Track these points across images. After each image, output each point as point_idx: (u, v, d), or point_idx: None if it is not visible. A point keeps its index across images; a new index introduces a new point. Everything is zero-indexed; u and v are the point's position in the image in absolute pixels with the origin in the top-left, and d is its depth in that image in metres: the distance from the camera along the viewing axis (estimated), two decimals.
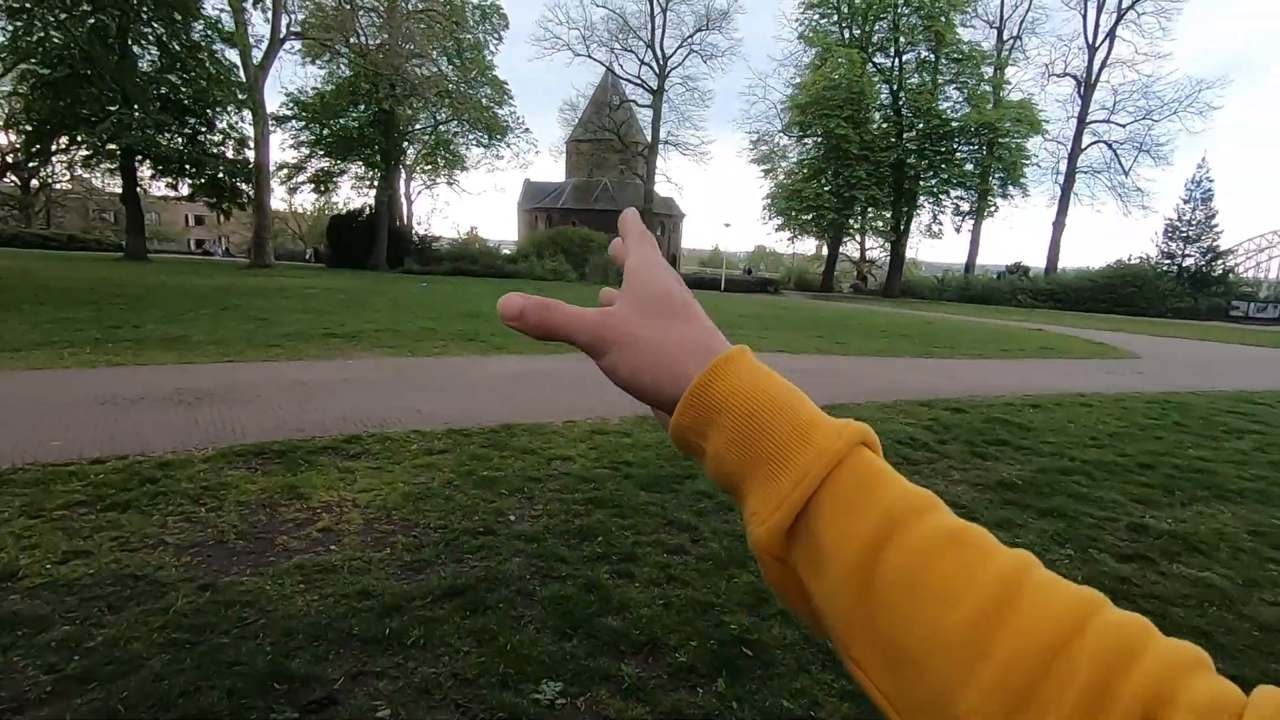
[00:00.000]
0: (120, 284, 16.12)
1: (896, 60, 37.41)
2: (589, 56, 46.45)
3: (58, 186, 54.67)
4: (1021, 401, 7.42)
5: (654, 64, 45.49)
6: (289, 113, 35.24)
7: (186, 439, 4.37)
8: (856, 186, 34.99)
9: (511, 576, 2.89)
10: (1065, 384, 9.00)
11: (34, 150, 30.22)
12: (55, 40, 25.61)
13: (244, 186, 31.36)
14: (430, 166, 42.24)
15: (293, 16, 29.50)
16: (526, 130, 40.84)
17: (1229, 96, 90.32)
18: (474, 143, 40.39)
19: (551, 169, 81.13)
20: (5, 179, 43.82)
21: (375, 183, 37.49)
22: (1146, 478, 4.76)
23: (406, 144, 38.81)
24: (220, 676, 2.16)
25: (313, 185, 38.62)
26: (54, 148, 31.30)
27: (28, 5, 23.22)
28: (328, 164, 38.01)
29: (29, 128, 28.86)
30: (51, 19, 24.91)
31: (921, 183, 36.86)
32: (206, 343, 8.25)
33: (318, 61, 35.58)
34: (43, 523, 3.11)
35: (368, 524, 3.35)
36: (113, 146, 28.24)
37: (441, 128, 39.37)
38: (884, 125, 36.67)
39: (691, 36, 45.08)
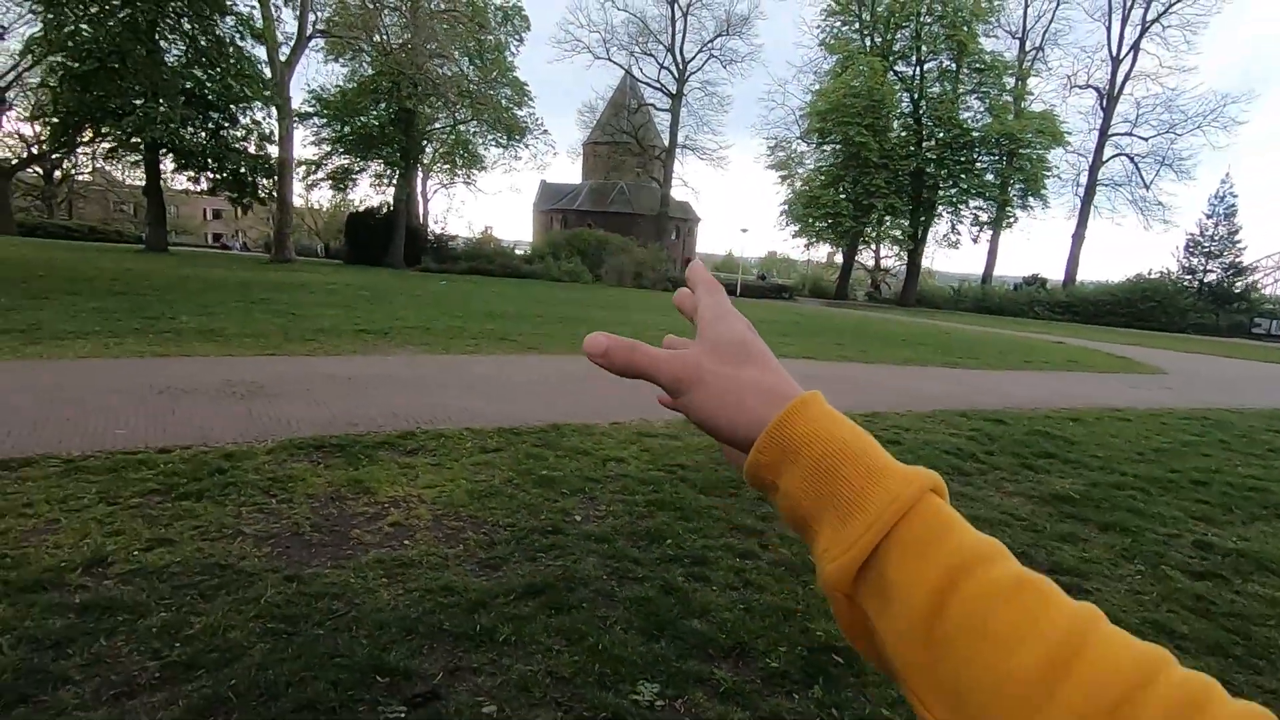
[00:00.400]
0: (147, 276, 16.27)
1: (918, 69, 37.31)
2: (609, 59, 46.65)
3: (80, 178, 55.26)
4: (1060, 415, 7.37)
5: (673, 68, 45.60)
6: (311, 109, 35.51)
7: (245, 430, 4.41)
8: (875, 194, 34.90)
9: (589, 577, 2.90)
10: (1097, 398, 8.93)
11: (60, 142, 30.55)
12: (85, 33, 25.93)
13: (265, 182, 31.61)
14: (449, 166, 42.46)
15: (319, 14, 29.74)
16: (545, 131, 40.99)
17: (1253, 110, 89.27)
18: (493, 143, 40.55)
19: (567, 171, 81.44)
20: (29, 170, 44.46)
21: (394, 181, 37.70)
22: (1202, 494, 4.72)
23: (425, 143, 39.02)
24: (322, 668, 2.17)
25: (331, 182, 38.87)
26: (79, 140, 31.70)
27: None
28: (347, 161, 38.26)
29: (55, 120, 29.25)
30: (83, 11, 25.20)
31: (941, 192, 36.73)
32: (242, 335, 8.31)
33: (340, 59, 35.90)
34: (121, 510, 3.14)
35: (437, 520, 3.37)
36: (137, 140, 28.55)
37: (461, 127, 39.56)
38: (904, 134, 36.57)
39: (712, 41, 45.19)
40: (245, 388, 5.46)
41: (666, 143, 46.86)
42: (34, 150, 40.39)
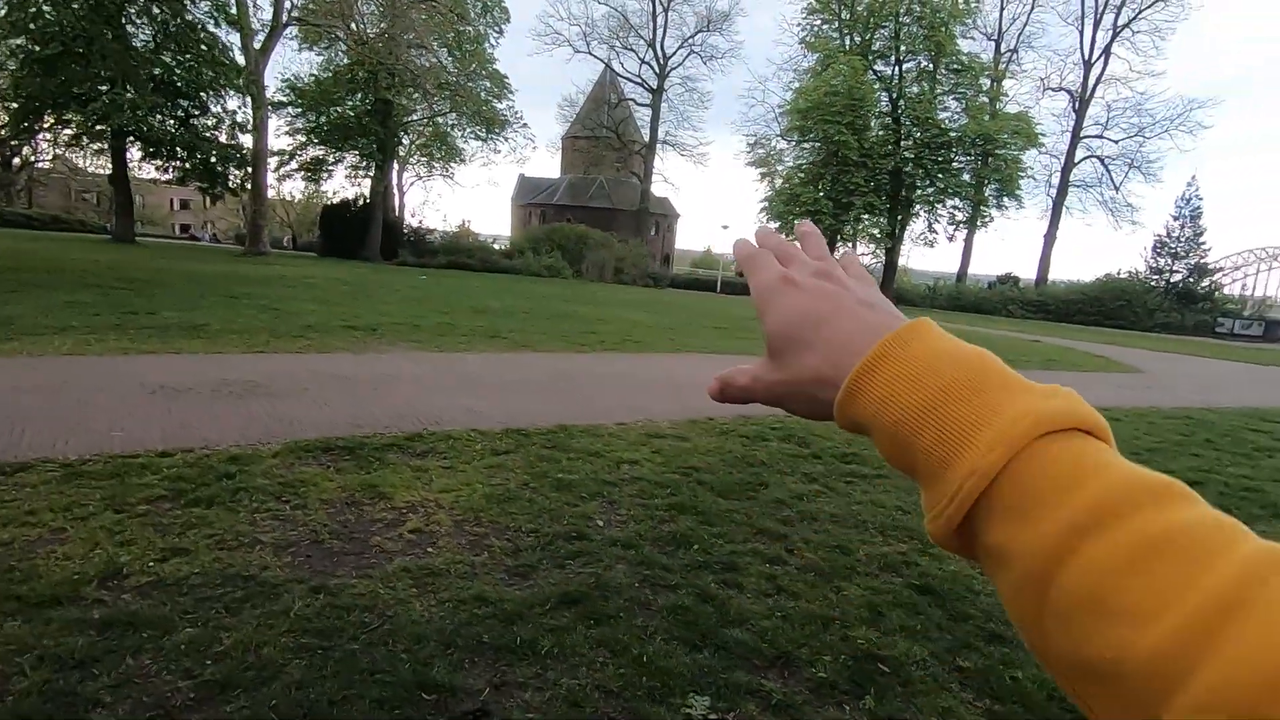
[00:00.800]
0: (117, 268, 15.77)
1: (897, 68, 37.67)
2: (589, 53, 46.40)
3: (40, 166, 53.45)
4: None
5: (654, 63, 45.50)
6: (285, 99, 34.73)
7: (246, 432, 4.27)
8: (854, 193, 35.20)
9: (621, 585, 2.85)
10: (1087, 398, 9.08)
11: (21, 128, 29.45)
12: (48, 15, 24.99)
13: (237, 172, 30.82)
14: (426, 158, 41.91)
15: (294, 1, 29.05)
16: (524, 125, 40.61)
17: (1218, 115, 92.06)
18: (472, 136, 40.06)
19: (546, 165, 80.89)
20: None
21: (370, 173, 37.10)
22: (1202, 495, 4.77)
23: (403, 135, 38.44)
24: (364, 685, 2.10)
25: (306, 173, 38.10)
26: (40, 126, 30.58)
27: None
28: (322, 152, 37.53)
29: (15, 105, 28.18)
30: None
31: (918, 191, 37.16)
32: (228, 332, 8.09)
33: (315, 48, 35.17)
34: (129, 518, 3.02)
35: (458, 525, 3.29)
36: (103, 127, 27.65)
37: (439, 120, 39.03)
38: (882, 133, 36.91)
39: (692, 37, 45.16)
40: (241, 387, 5.29)
41: (647, 138, 46.74)
42: None
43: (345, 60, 33.95)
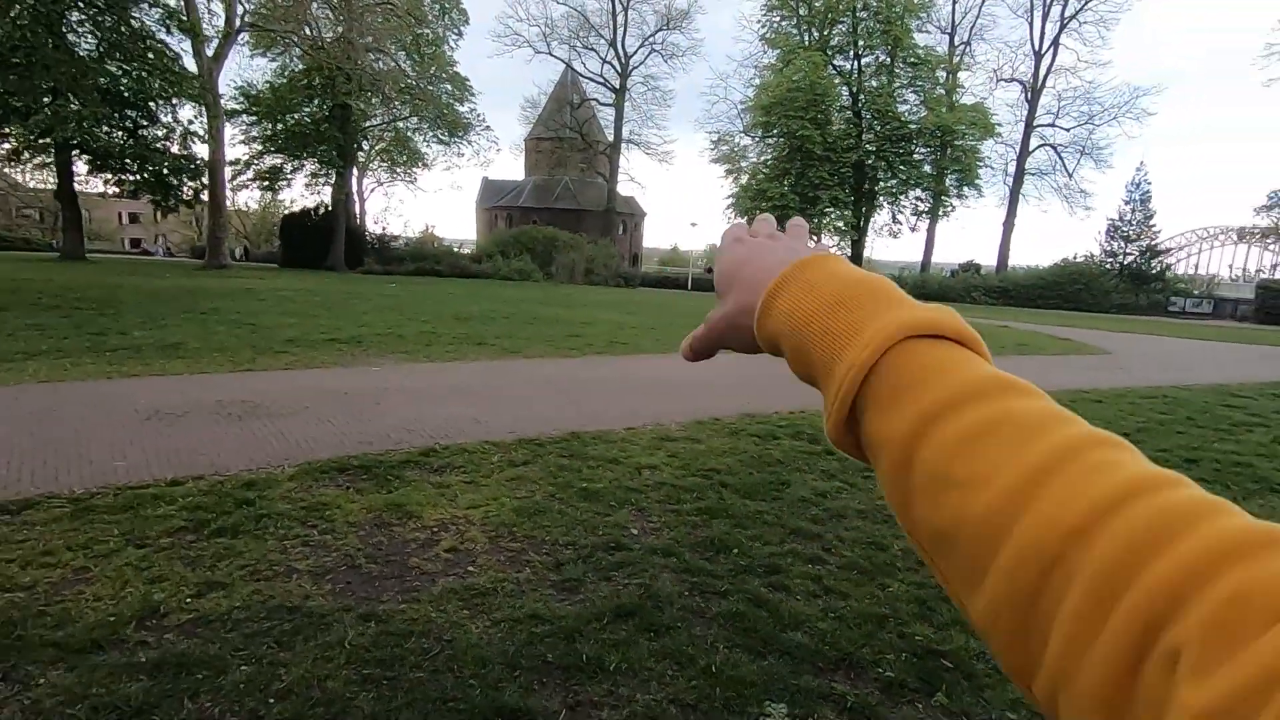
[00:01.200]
0: (74, 287, 15.15)
1: (856, 63, 38.23)
2: (550, 54, 46.05)
3: None
4: None
5: (615, 62, 45.38)
6: (239, 107, 33.78)
7: (255, 455, 4.14)
8: (820, 187, 35.66)
9: (671, 594, 2.83)
10: (1064, 381, 9.34)
11: None
12: None
13: (191, 183, 29.86)
14: (388, 163, 41.21)
15: (247, 6, 28.28)
16: (487, 128, 40.20)
17: (1162, 103, 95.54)
18: (434, 140, 39.51)
19: (510, 167, 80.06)
20: None
21: (331, 181, 36.33)
22: (1199, 472, 4.98)
23: (363, 140, 37.73)
24: (439, 714, 2.04)
25: (264, 182, 37.14)
26: None
27: None
28: (279, 160, 36.62)
29: None
30: None
31: (881, 183, 37.80)
32: (207, 350, 7.84)
33: (269, 53, 34.28)
34: (153, 552, 2.89)
35: (493, 542, 3.23)
36: (46, 141, 26.54)
37: (400, 124, 38.42)
38: (844, 126, 37.45)
39: (653, 35, 45.16)
40: (238, 408, 5.12)
41: (611, 138, 46.63)
42: None
43: (300, 66, 33.23)
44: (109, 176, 29.60)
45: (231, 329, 9.65)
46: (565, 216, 46.51)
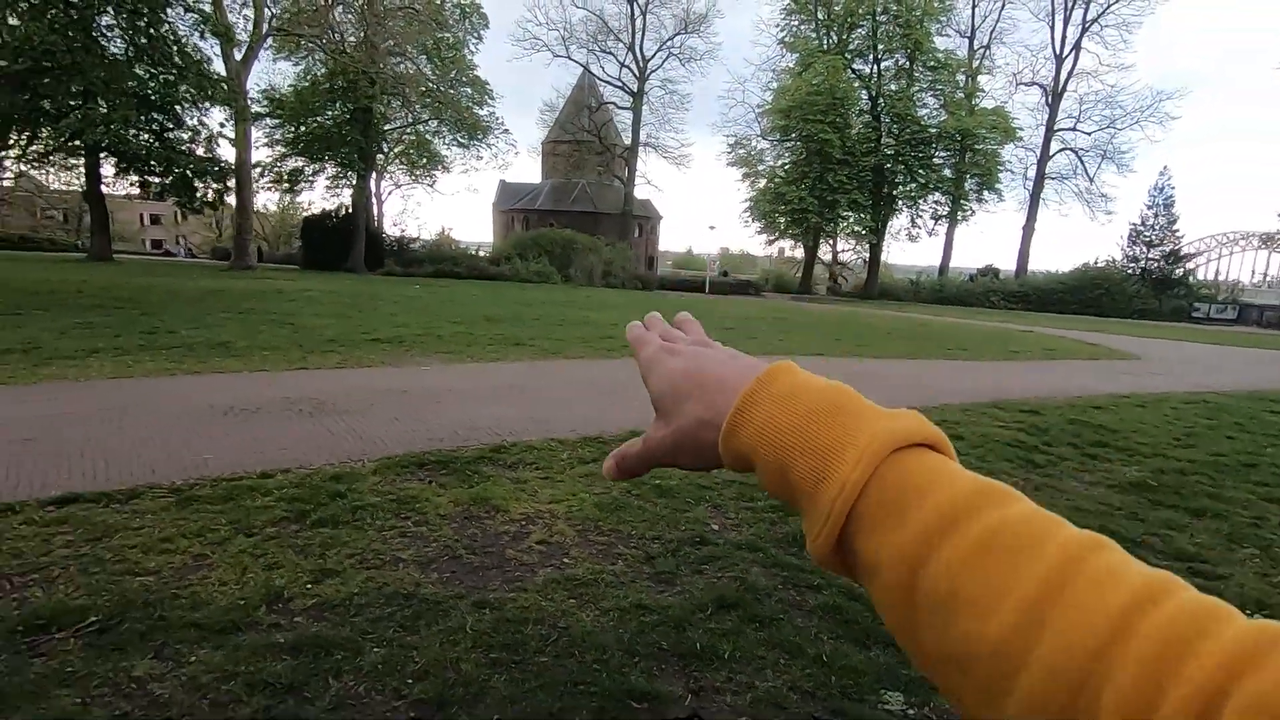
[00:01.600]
0: (109, 287, 15.42)
1: (875, 66, 38.21)
2: (568, 58, 46.31)
3: (3, 184, 52.07)
4: (1082, 403, 7.67)
5: (634, 66, 45.55)
6: (263, 110, 34.22)
7: (334, 450, 4.25)
8: (839, 190, 35.62)
9: (767, 587, 2.90)
10: (1101, 386, 9.33)
11: None
12: (18, 30, 24.37)
13: (216, 185, 30.28)
14: (407, 166, 41.56)
15: (273, 11, 28.68)
16: (506, 131, 40.48)
17: (1186, 106, 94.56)
18: (454, 143, 39.82)
19: (527, 170, 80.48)
20: None
21: (351, 183, 36.72)
22: (1259, 477, 4.99)
23: (384, 143, 38.09)
24: (573, 697, 2.12)
25: (286, 184, 37.60)
26: (7, 144, 29.79)
27: None
28: (301, 163, 37.05)
29: None
30: (15, 6, 23.73)
31: (900, 187, 37.73)
32: (255, 348, 7.98)
33: (293, 57, 34.73)
34: (262, 540, 3.00)
35: (581, 535, 3.31)
36: (77, 144, 27.03)
37: (420, 127, 38.76)
38: (864, 130, 37.42)
39: (671, 39, 45.29)
40: (308, 405, 5.24)
41: (628, 141, 46.80)
42: None
43: (324, 69, 33.63)
44: (135, 179, 30.11)
45: (273, 328, 9.81)
46: (582, 219, 46.70)
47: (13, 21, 24.48)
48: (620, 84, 46.44)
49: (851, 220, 37.98)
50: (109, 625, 2.30)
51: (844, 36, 38.45)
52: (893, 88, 37.72)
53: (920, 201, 38.66)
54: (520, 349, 9.40)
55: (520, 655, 2.31)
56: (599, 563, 3.04)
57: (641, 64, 45.58)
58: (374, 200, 42.71)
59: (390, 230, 41.79)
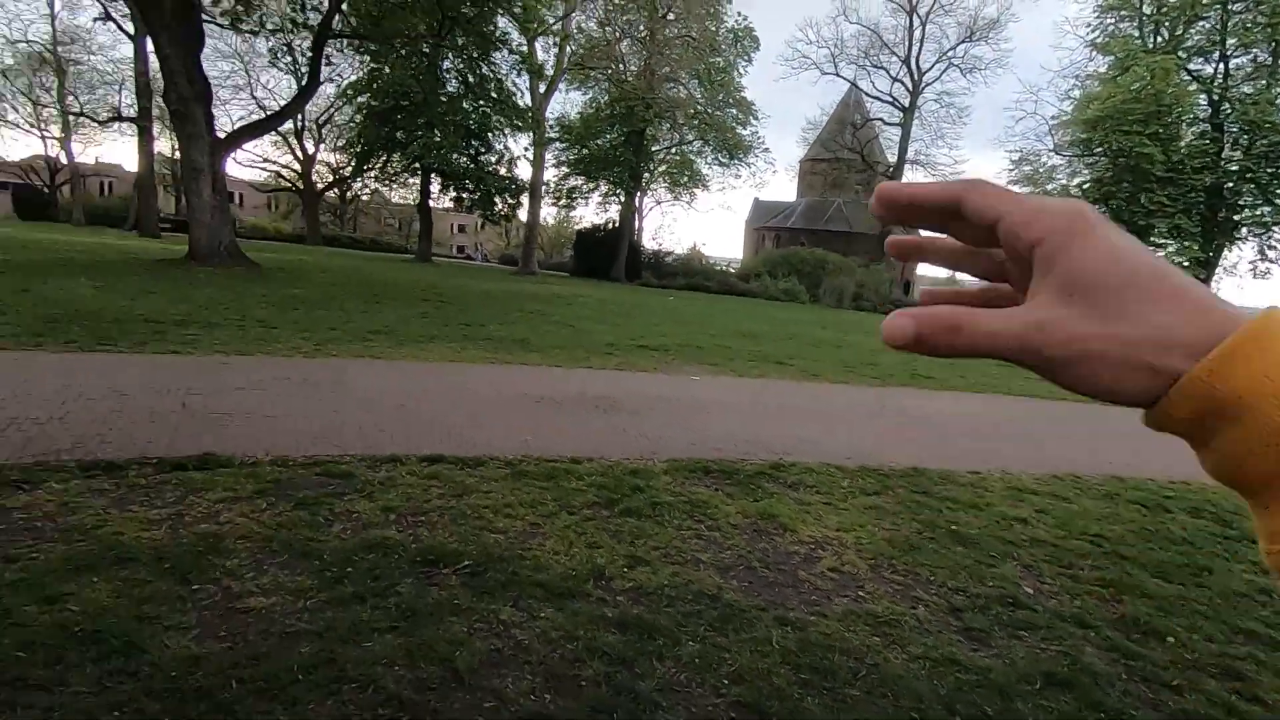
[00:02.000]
0: (433, 286, 18.56)
1: (1221, 65, 31.56)
2: (837, 75, 45.41)
3: (364, 198, 65.86)
4: None
5: (907, 80, 43.22)
6: (554, 135, 38.81)
7: (628, 447, 4.62)
8: (1155, 213, 29.98)
9: (1104, 673, 2.52)
10: None
11: (362, 169, 36.47)
12: (389, 75, 30.75)
13: (511, 201, 35.08)
14: (669, 184, 44.04)
15: (571, 49, 32.39)
16: (766, 150, 41.00)
17: None
18: (715, 162, 41.30)
19: (782, 189, 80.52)
20: (331, 191, 53.77)
21: (620, 199, 39.94)
22: None
23: (651, 163, 40.84)
24: None
25: (566, 201, 42.13)
26: (371, 165, 37.61)
27: (381, 47, 27.86)
28: (580, 181, 41.24)
29: (358, 150, 35.01)
30: (395, 56, 29.79)
31: (1245, 211, 30.64)
32: (547, 346, 9.00)
33: (582, 88, 38.86)
34: (581, 520, 3.35)
35: (873, 570, 3.19)
36: (417, 165, 33.22)
37: (685, 147, 40.84)
38: (1198, 142, 31.06)
39: (953, 49, 42.15)
40: (602, 402, 5.80)
41: (893, 158, 44.45)
42: (337, 176, 49.04)
43: (606, 97, 37.18)
44: (453, 194, 36.12)
45: (558, 329, 11.00)
46: (835, 239, 45.44)
47: (386, 70, 30.99)
48: (890, 99, 44.37)
49: (1172, 250, 31.68)
50: (478, 570, 2.74)
51: (1179, 32, 32.35)
52: (1245, 90, 30.77)
53: (1275, 228, 30.97)
54: (781, 368, 9.39)
55: (831, 683, 2.29)
56: (897, 603, 2.89)
57: (916, 77, 43.08)
58: (636, 215, 46.08)
59: (648, 244, 44.63)
